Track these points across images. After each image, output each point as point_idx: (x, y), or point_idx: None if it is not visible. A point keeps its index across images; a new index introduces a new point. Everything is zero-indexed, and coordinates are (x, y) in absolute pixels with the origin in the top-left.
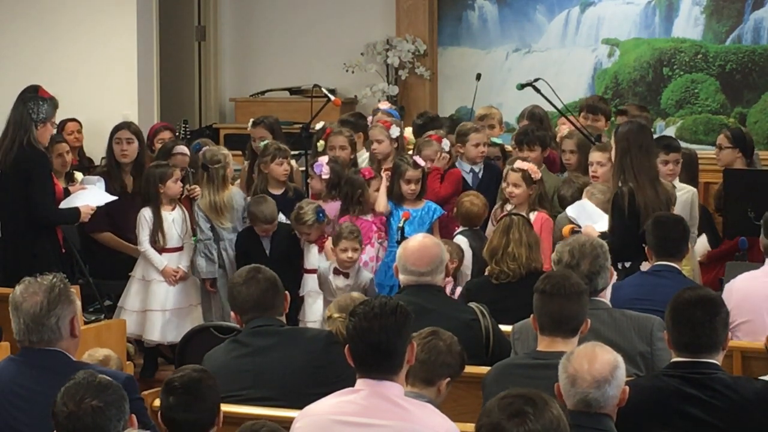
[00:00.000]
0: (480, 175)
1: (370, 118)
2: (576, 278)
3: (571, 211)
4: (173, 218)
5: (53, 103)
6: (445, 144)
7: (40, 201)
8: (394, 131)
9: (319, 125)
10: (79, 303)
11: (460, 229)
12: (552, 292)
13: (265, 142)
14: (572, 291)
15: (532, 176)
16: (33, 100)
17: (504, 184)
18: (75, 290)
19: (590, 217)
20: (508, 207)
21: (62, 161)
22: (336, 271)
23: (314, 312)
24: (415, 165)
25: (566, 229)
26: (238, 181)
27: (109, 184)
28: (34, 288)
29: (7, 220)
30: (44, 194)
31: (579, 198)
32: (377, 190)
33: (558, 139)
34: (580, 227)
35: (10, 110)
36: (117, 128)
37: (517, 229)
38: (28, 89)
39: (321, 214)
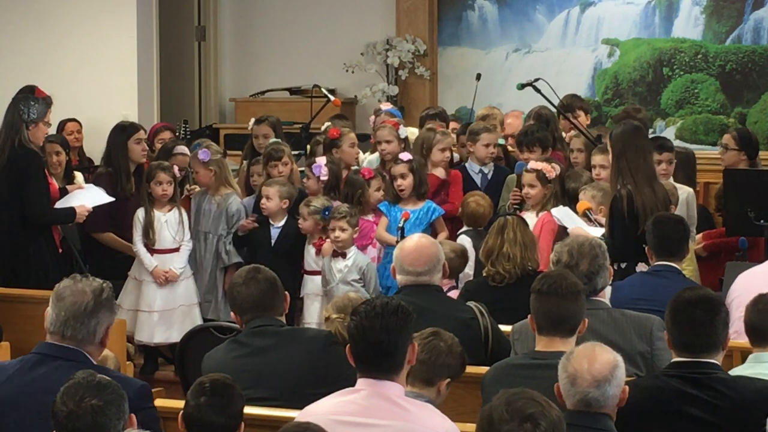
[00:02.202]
0: (489, 176)
1: (371, 118)
2: (573, 277)
3: (556, 212)
4: (166, 219)
5: (45, 102)
6: (402, 132)
7: (35, 200)
8: (403, 132)
9: (324, 126)
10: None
11: (464, 229)
12: (549, 292)
13: (270, 141)
14: (569, 290)
15: (547, 175)
16: (24, 101)
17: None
18: None
19: (574, 221)
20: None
21: (52, 161)
22: (335, 254)
23: (311, 314)
24: (397, 160)
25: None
26: (236, 179)
27: (117, 185)
28: (84, 286)
29: (3, 220)
30: (39, 193)
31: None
32: (377, 189)
33: (567, 139)
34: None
35: (5, 112)
36: (135, 128)
37: (512, 229)
38: (23, 89)
39: (326, 212)
